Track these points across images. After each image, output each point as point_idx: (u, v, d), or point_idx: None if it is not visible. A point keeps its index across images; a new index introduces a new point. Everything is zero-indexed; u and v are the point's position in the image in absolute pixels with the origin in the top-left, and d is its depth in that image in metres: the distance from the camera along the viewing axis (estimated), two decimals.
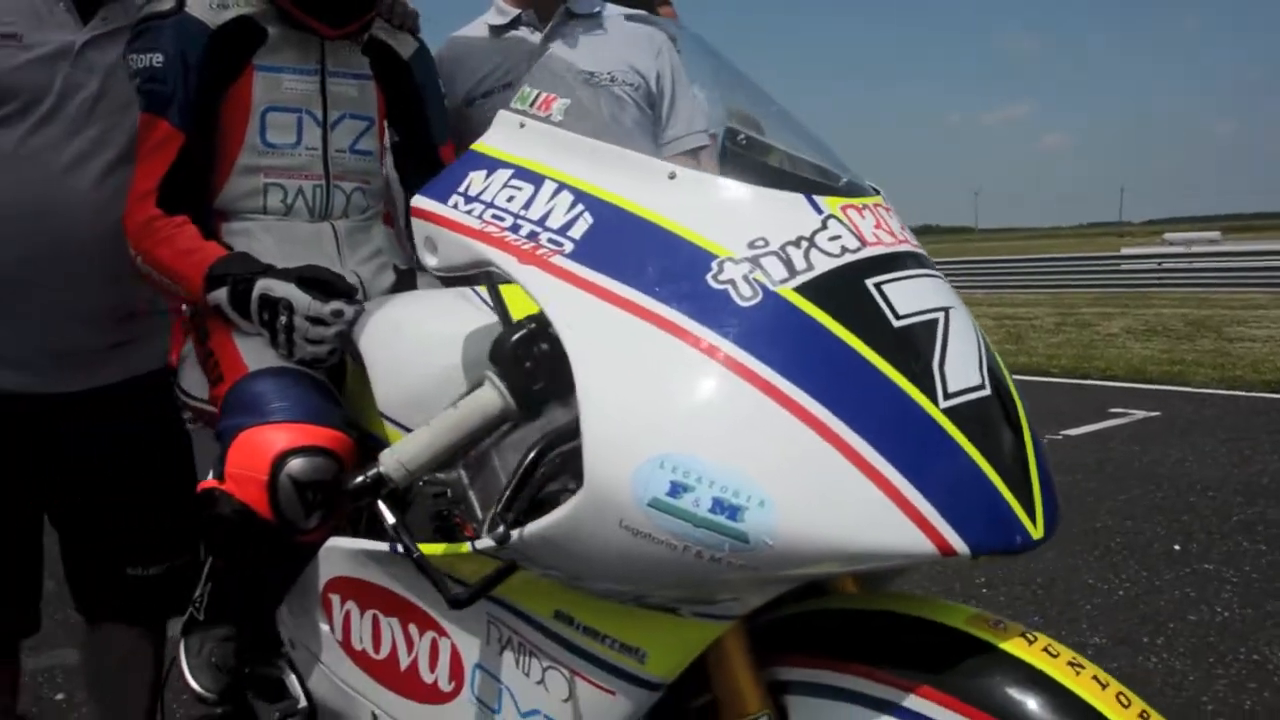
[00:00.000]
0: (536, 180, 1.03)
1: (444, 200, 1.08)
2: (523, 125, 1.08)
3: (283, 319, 1.41)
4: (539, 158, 1.05)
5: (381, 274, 1.74)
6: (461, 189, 1.08)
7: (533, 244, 0.98)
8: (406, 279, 1.77)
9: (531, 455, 0.97)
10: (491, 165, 1.08)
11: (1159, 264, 21.79)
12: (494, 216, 1.03)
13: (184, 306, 1.77)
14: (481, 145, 1.11)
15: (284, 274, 1.45)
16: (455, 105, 2.04)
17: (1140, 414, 6.65)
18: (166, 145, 1.57)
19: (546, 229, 0.99)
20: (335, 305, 1.40)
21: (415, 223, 1.10)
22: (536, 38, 2.07)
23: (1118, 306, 15.59)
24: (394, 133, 1.85)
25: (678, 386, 0.87)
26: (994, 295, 19.94)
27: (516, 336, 1.01)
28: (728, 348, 0.87)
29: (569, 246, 0.97)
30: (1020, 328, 12.70)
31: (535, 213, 1.01)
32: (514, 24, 2.10)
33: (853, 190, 1.03)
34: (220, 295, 1.48)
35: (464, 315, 1.29)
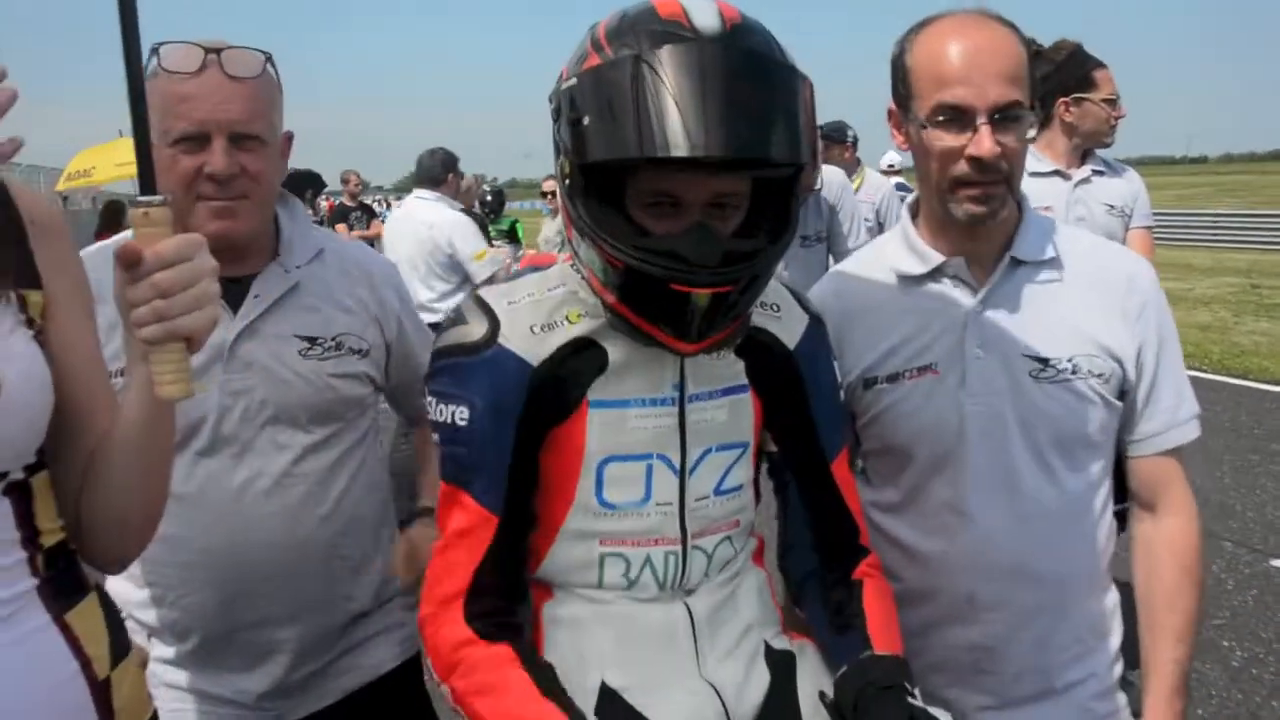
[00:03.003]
0: None
1: None
2: None
3: None
4: None
5: (751, 674, 1.29)
6: None
7: None
8: (782, 678, 1.30)
9: None
10: None
11: None
12: None
13: None
14: None
15: None
16: (845, 381, 1.45)
17: None
18: (476, 533, 1.20)
19: None
20: None
21: None
22: (967, 297, 1.46)
23: None
24: (770, 439, 1.37)
25: None
26: None
27: None
28: None
29: None
30: None
31: None
32: (935, 274, 1.47)
33: None
34: None
35: None
